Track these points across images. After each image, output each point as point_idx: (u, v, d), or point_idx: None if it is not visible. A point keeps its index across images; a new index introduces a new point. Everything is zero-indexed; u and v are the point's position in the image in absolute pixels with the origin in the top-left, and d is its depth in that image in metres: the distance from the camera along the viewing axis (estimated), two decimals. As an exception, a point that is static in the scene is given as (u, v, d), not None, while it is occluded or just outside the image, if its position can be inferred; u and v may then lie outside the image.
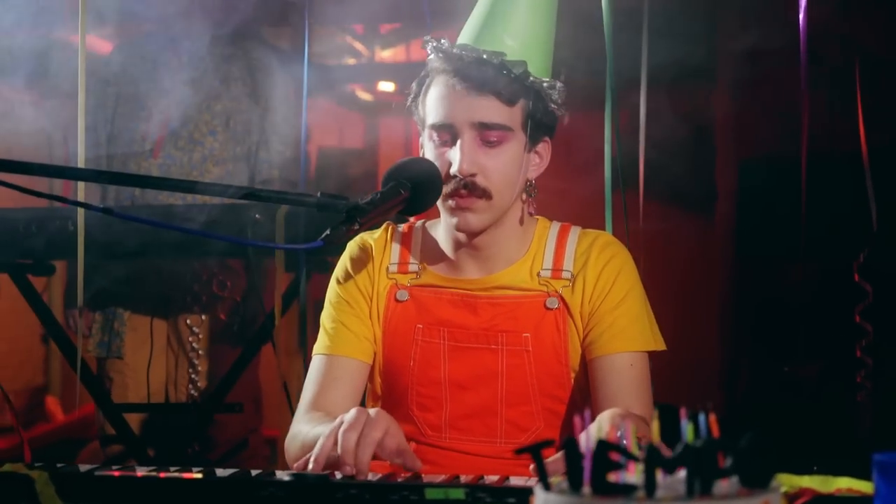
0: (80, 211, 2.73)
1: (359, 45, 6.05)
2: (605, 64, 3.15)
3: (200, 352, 3.88)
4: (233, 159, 3.89)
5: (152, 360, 3.81)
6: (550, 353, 2.11)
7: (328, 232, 1.84)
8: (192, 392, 3.89)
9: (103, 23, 3.90)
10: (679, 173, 4.63)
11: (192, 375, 3.89)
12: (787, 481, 1.50)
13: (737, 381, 4.61)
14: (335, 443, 1.73)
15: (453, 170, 2.04)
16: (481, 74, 2.04)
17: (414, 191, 1.98)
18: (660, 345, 2.17)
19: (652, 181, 4.68)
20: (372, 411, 1.80)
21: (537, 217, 2.24)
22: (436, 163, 2.06)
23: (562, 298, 2.12)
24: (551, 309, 2.12)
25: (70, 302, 3.95)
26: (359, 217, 1.87)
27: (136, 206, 3.70)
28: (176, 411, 3.78)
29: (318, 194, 1.90)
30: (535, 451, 1.18)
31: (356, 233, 1.91)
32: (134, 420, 3.75)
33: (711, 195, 4.77)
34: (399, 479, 1.61)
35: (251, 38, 4.07)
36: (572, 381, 2.14)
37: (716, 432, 1.19)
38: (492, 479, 1.66)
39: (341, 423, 1.77)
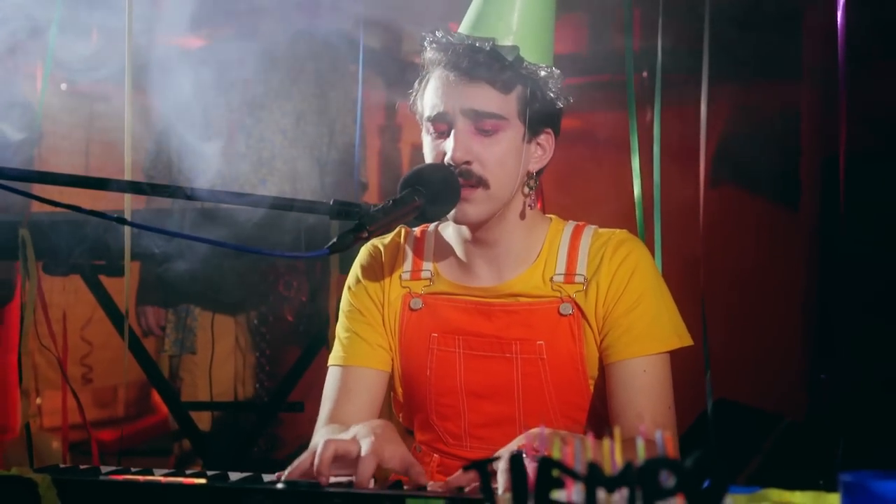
0: (128, 208, 2.82)
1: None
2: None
3: (268, 351, 3.94)
4: (302, 157, 3.94)
5: (222, 359, 3.89)
6: (566, 360, 2.07)
7: (335, 240, 1.84)
8: (260, 391, 3.95)
9: (195, 22, 3.99)
10: (761, 167, 4.56)
11: (260, 375, 3.96)
12: (777, 497, 1.46)
13: (821, 382, 4.49)
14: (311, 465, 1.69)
15: (447, 159, 2.00)
16: (473, 62, 2.00)
17: (429, 198, 1.96)
18: (684, 341, 2.10)
19: (734, 175, 4.63)
20: (364, 442, 1.72)
21: (550, 217, 2.19)
22: (431, 154, 2.04)
23: (576, 304, 2.07)
24: (565, 315, 2.07)
25: (141, 300, 4.05)
26: (368, 225, 1.86)
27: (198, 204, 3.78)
28: (239, 409, 3.85)
29: (332, 202, 1.90)
30: (481, 467, 1.18)
31: (365, 240, 1.91)
32: (205, 418, 3.84)
33: (795, 191, 4.67)
34: (387, 490, 1.61)
35: (333, 37, 4.09)
36: (591, 388, 2.10)
37: (672, 452, 1.17)
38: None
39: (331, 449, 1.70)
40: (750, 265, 4.43)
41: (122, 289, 4.07)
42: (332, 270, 3.18)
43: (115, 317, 3.53)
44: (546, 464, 1.12)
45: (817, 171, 4.61)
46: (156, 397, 6.01)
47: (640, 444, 1.16)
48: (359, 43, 4.20)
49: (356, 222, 1.88)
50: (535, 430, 1.79)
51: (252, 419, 3.64)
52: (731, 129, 4.71)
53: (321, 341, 3.41)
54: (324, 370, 3.95)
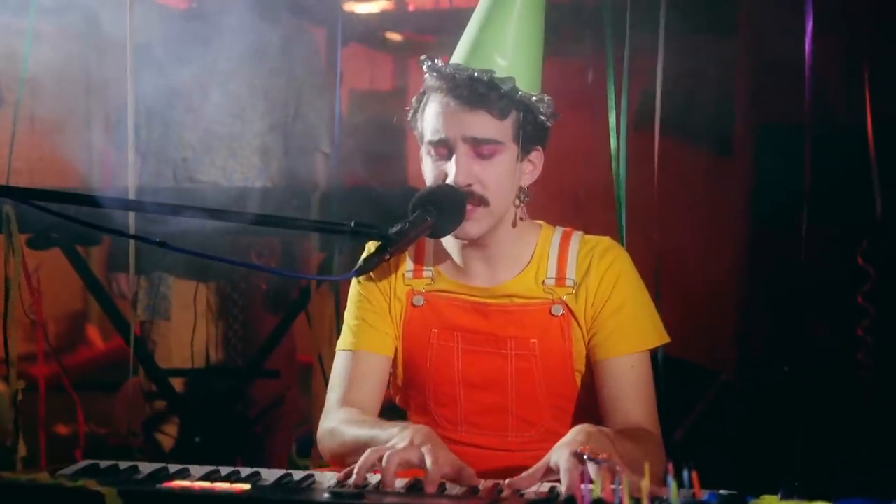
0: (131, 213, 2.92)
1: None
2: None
3: (240, 317, 4.08)
4: (269, 131, 4.06)
5: (195, 324, 4.02)
6: (556, 357, 2.30)
7: (361, 263, 2.06)
8: (233, 356, 4.10)
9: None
10: (696, 130, 4.72)
11: (233, 340, 4.10)
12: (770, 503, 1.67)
13: (751, 338, 4.75)
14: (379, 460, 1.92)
15: (449, 180, 2.20)
16: (473, 92, 2.19)
17: (438, 217, 2.16)
18: (663, 338, 2.36)
19: (668, 138, 4.78)
20: (425, 449, 1.92)
21: (540, 223, 2.40)
22: (433, 175, 2.24)
23: (566, 305, 2.30)
24: (556, 316, 2.30)
25: (112, 266, 4.15)
26: (389, 247, 2.08)
27: (178, 184, 3.89)
28: (217, 376, 4.00)
29: (352, 223, 2.08)
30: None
31: (387, 261, 2.12)
32: (178, 381, 3.99)
33: (728, 154, 4.86)
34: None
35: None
36: (577, 381, 2.33)
37: (697, 489, 1.39)
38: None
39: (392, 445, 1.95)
40: (688, 227, 4.62)
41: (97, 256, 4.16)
42: (312, 247, 3.34)
43: (92, 285, 3.65)
44: (597, 505, 1.33)
45: (750, 134, 4.82)
46: (90, 332, 6.08)
47: (673, 486, 1.37)
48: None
49: (379, 244, 2.10)
50: (585, 427, 1.96)
51: (225, 382, 3.80)
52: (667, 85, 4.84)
53: (299, 307, 3.58)
54: (298, 336, 4.14)
